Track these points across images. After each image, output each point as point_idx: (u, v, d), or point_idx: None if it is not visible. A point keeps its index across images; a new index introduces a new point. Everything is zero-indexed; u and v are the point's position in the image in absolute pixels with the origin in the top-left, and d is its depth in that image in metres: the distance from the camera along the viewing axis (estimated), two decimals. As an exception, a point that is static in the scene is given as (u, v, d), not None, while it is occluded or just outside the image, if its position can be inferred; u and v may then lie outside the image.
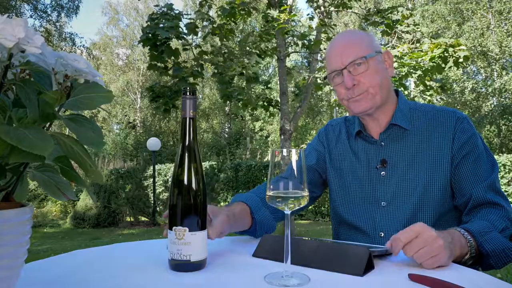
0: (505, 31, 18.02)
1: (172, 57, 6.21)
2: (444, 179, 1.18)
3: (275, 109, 7.83)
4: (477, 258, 1.02)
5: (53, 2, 17.89)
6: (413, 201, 1.19)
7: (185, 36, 6.27)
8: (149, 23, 6.10)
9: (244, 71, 6.87)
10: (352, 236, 1.30)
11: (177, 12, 6.20)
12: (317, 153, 1.41)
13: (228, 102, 7.46)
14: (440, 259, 0.86)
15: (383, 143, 1.28)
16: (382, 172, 1.25)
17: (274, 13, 6.86)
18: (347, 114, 1.73)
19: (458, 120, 1.22)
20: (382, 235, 1.21)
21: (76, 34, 23.06)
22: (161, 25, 5.94)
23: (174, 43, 6.37)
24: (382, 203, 1.24)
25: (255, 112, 12.86)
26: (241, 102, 7.08)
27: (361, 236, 1.27)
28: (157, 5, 6.46)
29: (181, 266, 0.83)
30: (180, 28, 6.12)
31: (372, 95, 1.22)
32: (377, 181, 1.26)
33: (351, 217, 1.29)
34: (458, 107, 19.37)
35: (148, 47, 6.06)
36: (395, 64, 6.27)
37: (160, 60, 6.22)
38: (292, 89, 7.92)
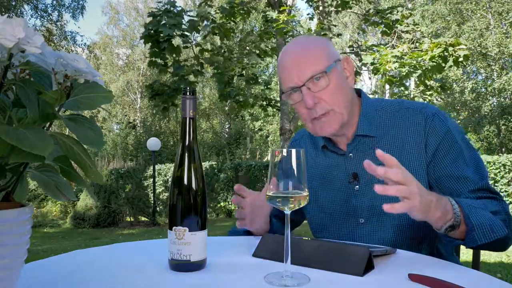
0: (504, 31, 18.02)
1: (173, 55, 6.23)
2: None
3: (274, 109, 7.82)
4: (461, 230, 0.94)
5: (54, 2, 17.91)
6: (393, 216, 1.09)
7: (187, 34, 6.29)
8: (151, 18, 6.11)
9: (244, 72, 6.87)
10: None
11: (179, 9, 6.21)
12: None
13: (227, 101, 7.48)
14: (406, 205, 0.82)
15: (351, 155, 1.18)
16: (356, 186, 1.16)
17: (273, 14, 6.86)
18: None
19: (427, 120, 1.12)
20: None
21: (77, 32, 23.07)
22: (164, 22, 5.95)
23: (176, 41, 6.39)
24: (360, 219, 1.16)
25: (254, 112, 12.85)
26: (238, 102, 7.09)
27: None
28: (159, 2, 6.45)
29: (181, 266, 0.83)
30: (183, 25, 6.13)
31: (338, 114, 1.11)
32: (352, 196, 1.17)
33: (330, 236, 1.22)
34: (458, 107, 19.38)
35: (150, 43, 6.08)
36: (396, 64, 6.27)
37: (161, 58, 6.23)
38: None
